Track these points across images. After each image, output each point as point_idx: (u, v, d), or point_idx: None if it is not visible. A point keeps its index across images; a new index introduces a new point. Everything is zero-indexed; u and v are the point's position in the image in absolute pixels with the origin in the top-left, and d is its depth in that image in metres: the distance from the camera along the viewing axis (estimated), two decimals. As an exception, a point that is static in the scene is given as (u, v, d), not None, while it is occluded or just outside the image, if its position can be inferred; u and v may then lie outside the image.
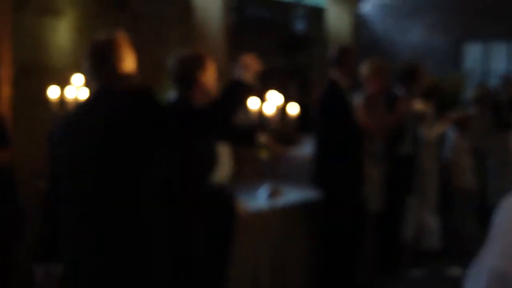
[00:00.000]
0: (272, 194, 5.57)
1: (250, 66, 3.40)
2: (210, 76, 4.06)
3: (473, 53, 11.23)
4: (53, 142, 3.14)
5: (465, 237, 6.93)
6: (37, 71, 5.77)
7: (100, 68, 3.08)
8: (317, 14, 10.17)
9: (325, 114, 5.62)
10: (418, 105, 6.71)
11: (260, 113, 4.69)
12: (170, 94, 4.47)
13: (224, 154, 4.67)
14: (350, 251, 5.71)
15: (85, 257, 3.01)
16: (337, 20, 9.10)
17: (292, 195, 5.87)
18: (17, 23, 5.61)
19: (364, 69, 6.06)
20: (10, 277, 4.82)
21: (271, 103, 4.68)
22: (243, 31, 9.58)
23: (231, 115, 3.30)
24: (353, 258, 5.77)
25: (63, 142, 3.06)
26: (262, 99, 4.74)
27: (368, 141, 5.79)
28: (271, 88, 4.77)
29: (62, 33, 6.40)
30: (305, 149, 6.50)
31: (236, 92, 3.29)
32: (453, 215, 7.14)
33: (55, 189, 3.13)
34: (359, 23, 9.69)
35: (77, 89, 5.17)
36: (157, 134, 3.01)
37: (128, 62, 3.14)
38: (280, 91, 4.79)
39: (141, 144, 2.97)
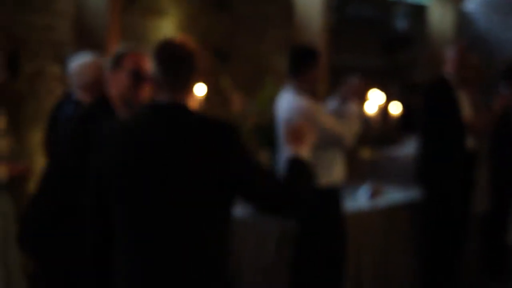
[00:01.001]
0: (373, 194, 5.53)
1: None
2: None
3: None
4: (108, 147, 2.60)
5: None
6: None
7: (176, 76, 2.55)
8: (419, 12, 10.01)
9: (431, 111, 5.55)
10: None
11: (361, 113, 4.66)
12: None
13: (335, 157, 4.63)
14: (454, 253, 5.61)
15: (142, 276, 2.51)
16: (440, 18, 8.93)
17: (394, 195, 5.81)
18: (123, 23, 5.75)
19: None
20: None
21: (373, 102, 4.64)
22: (344, 30, 9.55)
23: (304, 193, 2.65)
24: (457, 260, 5.66)
25: (120, 150, 2.56)
26: (364, 99, 4.71)
27: (473, 140, 5.69)
28: (373, 87, 4.74)
29: (166, 33, 6.54)
30: (407, 148, 6.43)
31: (296, 172, 2.67)
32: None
33: (100, 202, 2.62)
34: (463, 21, 9.48)
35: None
36: (232, 176, 2.49)
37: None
38: (382, 91, 4.75)
39: (212, 181, 2.45)
